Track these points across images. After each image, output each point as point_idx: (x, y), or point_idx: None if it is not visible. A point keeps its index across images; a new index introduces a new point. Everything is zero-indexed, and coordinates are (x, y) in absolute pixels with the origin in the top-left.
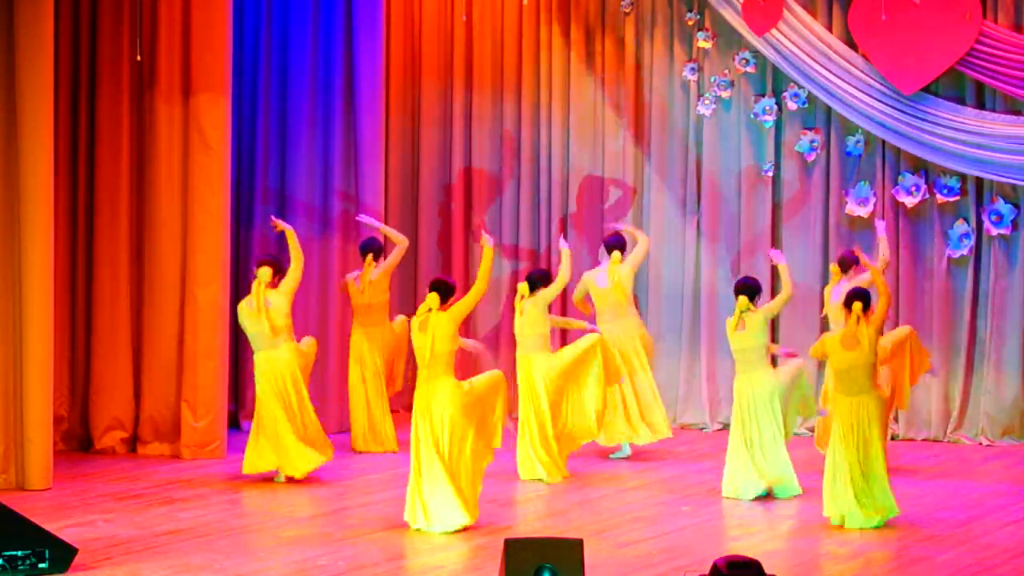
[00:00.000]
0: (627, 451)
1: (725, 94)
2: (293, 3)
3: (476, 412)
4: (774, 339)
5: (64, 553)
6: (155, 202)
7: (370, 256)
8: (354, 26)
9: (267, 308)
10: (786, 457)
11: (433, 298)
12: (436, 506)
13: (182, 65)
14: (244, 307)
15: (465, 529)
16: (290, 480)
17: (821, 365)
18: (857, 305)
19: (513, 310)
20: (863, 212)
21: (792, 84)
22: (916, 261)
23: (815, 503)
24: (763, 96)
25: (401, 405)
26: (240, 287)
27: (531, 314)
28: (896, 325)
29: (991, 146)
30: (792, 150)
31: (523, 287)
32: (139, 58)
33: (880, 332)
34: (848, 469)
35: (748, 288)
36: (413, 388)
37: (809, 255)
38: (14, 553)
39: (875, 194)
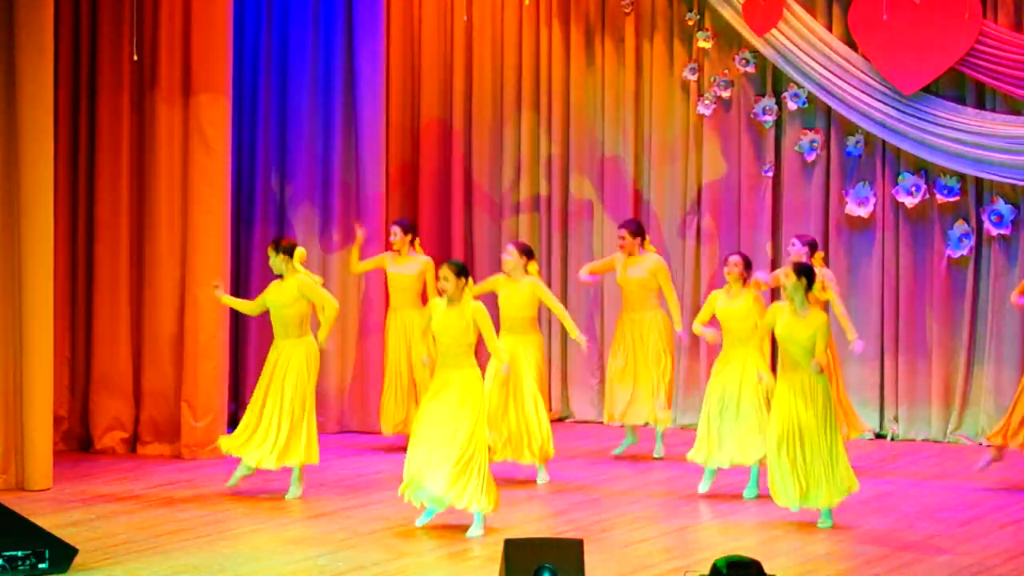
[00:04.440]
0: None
1: (725, 94)
2: (293, 3)
3: None
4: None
5: (64, 553)
6: (155, 202)
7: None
8: (354, 26)
9: None
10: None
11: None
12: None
13: (182, 65)
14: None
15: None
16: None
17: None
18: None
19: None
20: (863, 212)
21: (792, 84)
22: (916, 261)
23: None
24: (763, 96)
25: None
26: (240, 287)
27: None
28: (896, 326)
29: (991, 146)
30: (792, 150)
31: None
32: (139, 58)
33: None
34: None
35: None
36: None
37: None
38: (14, 553)
39: (875, 194)
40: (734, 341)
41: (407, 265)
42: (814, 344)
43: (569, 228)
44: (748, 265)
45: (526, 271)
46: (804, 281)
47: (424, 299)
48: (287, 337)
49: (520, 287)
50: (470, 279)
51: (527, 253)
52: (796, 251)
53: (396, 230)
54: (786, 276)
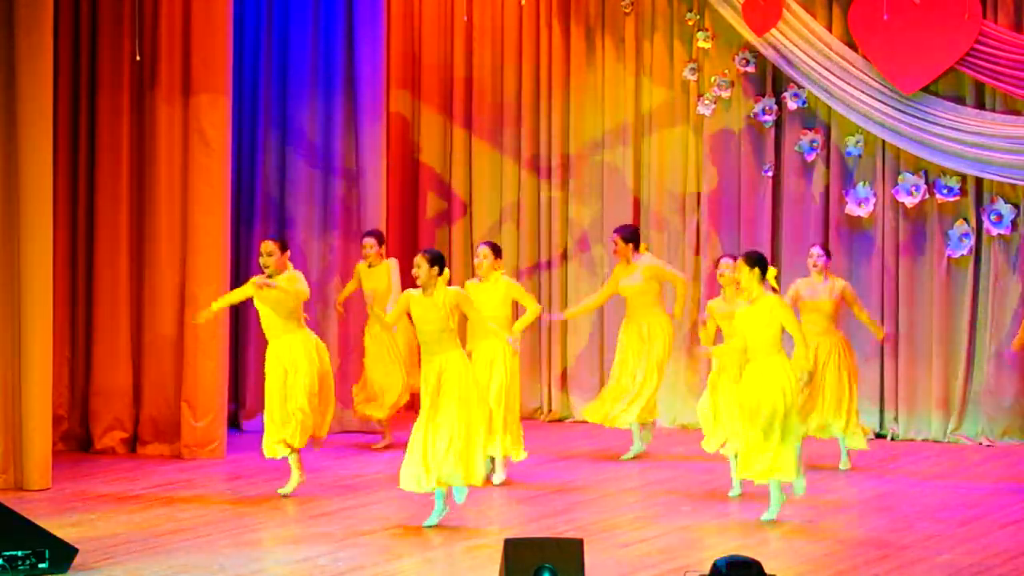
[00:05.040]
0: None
1: (725, 94)
2: (293, 3)
3: None
4: None
5: (64, 553)
6: (155, 202)
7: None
8: (354, 26)
9: None
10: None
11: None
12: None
13: (182, 65)
14: None
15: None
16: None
17: None
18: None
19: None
20: (863, 212)
21: (792, 84)
22: (916, 261)
23: (814, 503)
24: (763, 96)
25: None
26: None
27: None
28: (896, 327)
29: (991, 146)
30: (792, 150)
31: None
32: (139, 58)
33: None
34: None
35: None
36: None
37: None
38: (14, 553)
39: (875, 194)
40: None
41: (379, 277)
42: (776, 327)
43: (570, 227)
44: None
45: (495, 269)
46: (758, 271)
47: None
48: (288, 332)
49: (493, 287)
50: (446, 270)
51: (496, 251)
52: (824, 262)
53: (371, 242)
54: (738, 269)
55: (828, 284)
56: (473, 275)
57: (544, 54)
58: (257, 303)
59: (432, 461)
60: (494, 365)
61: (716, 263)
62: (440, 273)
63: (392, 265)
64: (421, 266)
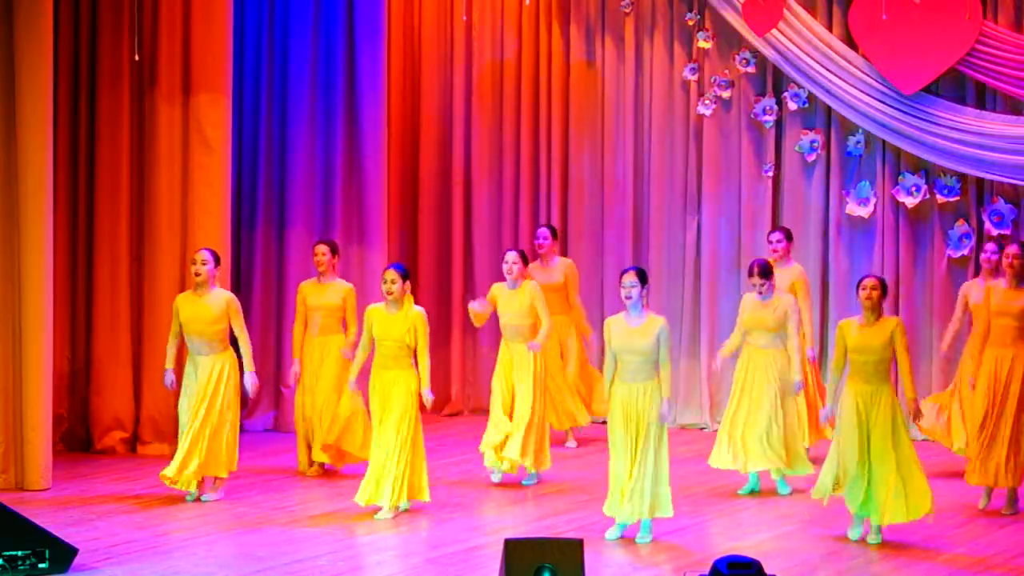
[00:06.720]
0: None
1: (725, 94)
2: (293, 3)
3: None
4: None
5: (64, 553)
6: (155, 202)
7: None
8: (355, 26)
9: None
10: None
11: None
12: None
13: (182, 65)
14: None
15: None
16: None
17: None
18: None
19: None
20: (863, 212)
21: (792, 84)
22: (916, 261)
23: (814, 502)
24: (763, 96)
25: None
26: (240, 288)
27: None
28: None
29: (991, 146)
30: (792, 150)
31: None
32: (139, 58)
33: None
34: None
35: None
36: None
37: (809, 255)
38: (14, 553)
39: (875, 194)
40: (868, 376)
41: (327, 294)
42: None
43: (569, 227)
44: (885, 288)
45: (524, 276)
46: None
47: (345, 326)
48: (211, 353)
49: (521, 294)
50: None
51: (525, 258)
52: (784, 247)
53: (324, 250)
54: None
55: (788, 268)
56: (471, 275)
57: (544, 54)
58: (187, 324)
59: (387, 480)
60: (520, 370)
61: (858, 285)
62: (410, 288)
63: (349, 295)
64: (396, 281)
